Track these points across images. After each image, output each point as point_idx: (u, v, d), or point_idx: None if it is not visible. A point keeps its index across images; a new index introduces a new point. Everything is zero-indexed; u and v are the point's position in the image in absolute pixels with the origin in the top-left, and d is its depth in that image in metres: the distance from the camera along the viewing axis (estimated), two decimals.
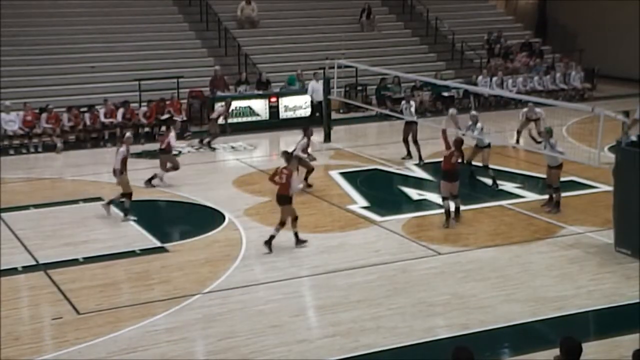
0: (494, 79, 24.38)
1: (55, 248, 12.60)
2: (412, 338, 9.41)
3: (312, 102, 21.68)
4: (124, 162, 13.82)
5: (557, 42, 29.22)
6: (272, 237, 12.28)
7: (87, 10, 24.60)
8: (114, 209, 14.02)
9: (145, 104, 21.03)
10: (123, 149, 13.98)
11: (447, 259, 12.00)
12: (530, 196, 15.16)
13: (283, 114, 21.82)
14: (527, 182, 16.12)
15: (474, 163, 16.04)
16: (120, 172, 13.80)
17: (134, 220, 13.72)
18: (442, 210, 13.59)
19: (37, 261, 12.07)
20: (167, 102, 20.79)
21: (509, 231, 13.24)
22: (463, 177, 14.31)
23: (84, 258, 12.12)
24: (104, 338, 9.48)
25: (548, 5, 32.32)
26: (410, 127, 17.65)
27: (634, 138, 12.00)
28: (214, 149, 19.28)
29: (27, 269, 11.77)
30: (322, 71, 21.60)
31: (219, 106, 20.15)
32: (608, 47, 28.30)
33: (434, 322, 9.95)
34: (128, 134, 15.10)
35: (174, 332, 9.62)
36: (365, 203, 14.65)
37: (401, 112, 18.00)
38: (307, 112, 21.94)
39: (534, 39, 28.33)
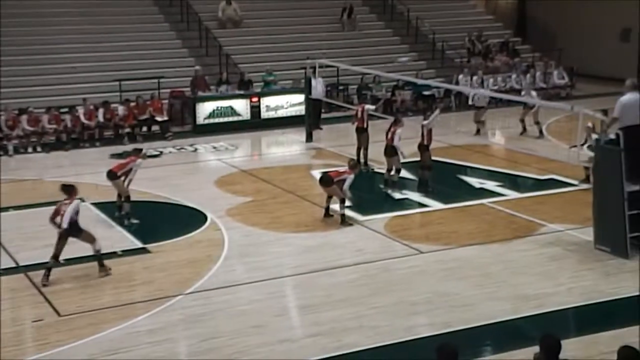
0: (475, 78, 24.52)
1: (36, 250, 12.50)
2: (394, 337, 9.44)
3: (312, 100, 21.33)
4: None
5: (537, 42, 29.40)
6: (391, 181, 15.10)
7: (67, 11, 24.46)
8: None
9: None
10: None
11: (428, 257, 12.05)
12: (511, 194, 15.25)
13: (264, 114, 21.81)
14: (508, 180, 16.22)
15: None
16: None
17: None
18: (424, 209, 13.86)
19: (17, 263, 11.99)
20: (148, 102, 20.71)
21: (490, 229, 13.32)
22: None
23: (65, 260, 12.03)
24: (86, 340, 9.44)
25: (527, 5, 32.52)
26: (481, 110, 20.00)
27: (612, 136, 12.11)
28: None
29: (7, 271, 11.69)
30: (318, 70, 21.40)
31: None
32: (587, 46, 28.53)
33: (416, 320, 10.00)
34: None
35: (156, 334, 9.59)
36: (347, 202, 14.66)
37: (472, 101, 19.96)
38: (288, 111, 21.86)
39: (513, 39, 28.51)
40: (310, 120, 20.28)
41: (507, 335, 9.67)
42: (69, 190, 11.65)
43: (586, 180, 15.13)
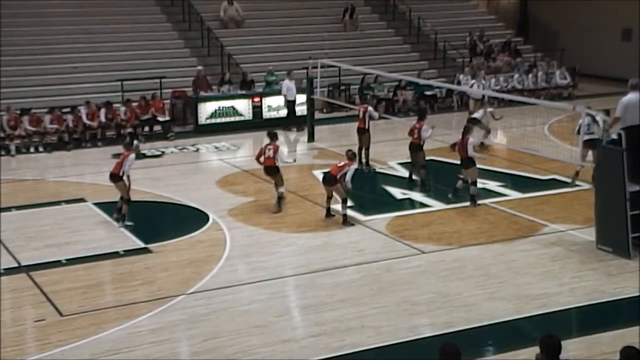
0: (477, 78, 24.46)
1: (37, 250, 12.53)
2: (396, 337, 9.44)
3: (286, 101, 21.38)
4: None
5: (539, 42, 29.40)
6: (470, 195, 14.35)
7: (69, 11, 24.47)
8: None
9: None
10: None
11: (430, 257, 12.04)
12: (513, 194, 15.23)
13: (266, 114, 21.80)
14: (510, 180, 16.20)
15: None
16: None
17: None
18: (425, 210, 13.81)
19: (19, 263, 11.99)
20: (150, 102, 20.72)
21: (492, 229, 13.31)
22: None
23: (67, 259, 12.06)
24: (88, 340, 9.45)
25: (529, 5, 32.53)
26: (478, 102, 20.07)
27: (614, 136, 12.09)
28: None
29: (9, 271, 11.68)
30: (294, 70, 21.54)
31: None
32: (589, 46, 28.53)
33: (418, 320, 9.99)
34: None
35: (158, 333, 9.60)
36: (349, 202, 14.66)
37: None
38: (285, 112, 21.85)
39: (515, 38, 28.51)
40: (312, 120, 20.28)
41: (509, 335, 9.66)
42: (274, 136, 14.19)
43: (576, 176, 15.45)
